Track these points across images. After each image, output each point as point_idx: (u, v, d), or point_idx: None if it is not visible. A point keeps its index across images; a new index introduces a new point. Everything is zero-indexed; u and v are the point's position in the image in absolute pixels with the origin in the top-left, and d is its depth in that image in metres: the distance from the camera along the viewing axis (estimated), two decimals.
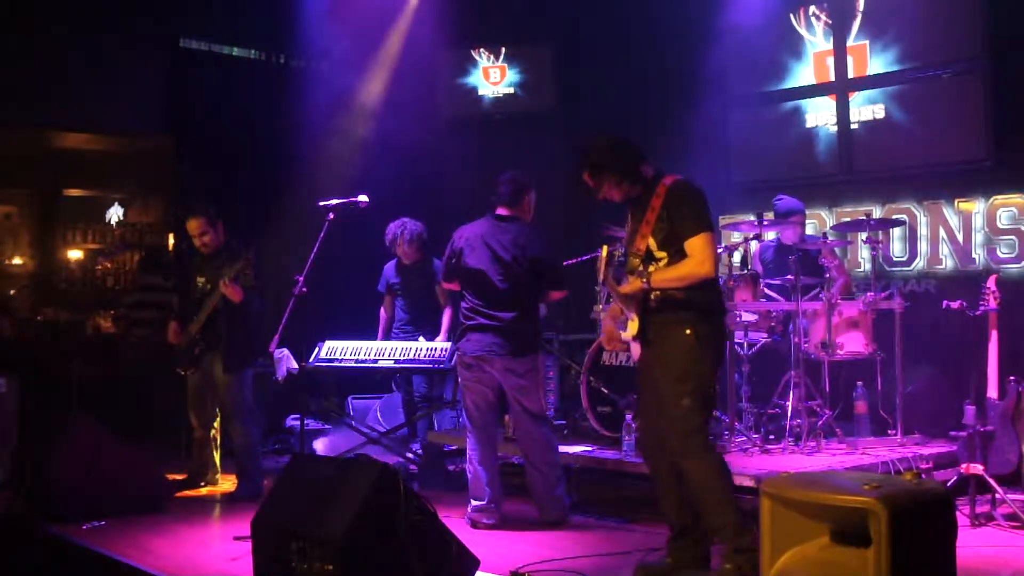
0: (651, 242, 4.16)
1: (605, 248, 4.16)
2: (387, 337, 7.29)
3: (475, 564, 4.01)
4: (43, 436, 5.83)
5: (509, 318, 5.28)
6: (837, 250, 6.88)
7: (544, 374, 5.74)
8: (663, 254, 4.15)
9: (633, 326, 4.21)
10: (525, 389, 5.29)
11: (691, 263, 4.05)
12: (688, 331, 4.08)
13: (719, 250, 6.28)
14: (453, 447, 6.51)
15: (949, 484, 5.08)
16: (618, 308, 4.36)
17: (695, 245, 4.05)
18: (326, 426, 7.68)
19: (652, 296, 4.16)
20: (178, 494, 6.15)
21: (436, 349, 6.65)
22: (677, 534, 4.26)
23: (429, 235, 7.14)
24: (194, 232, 6.27)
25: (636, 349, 4.30)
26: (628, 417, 5.71)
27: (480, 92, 9.11)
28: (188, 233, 6.35)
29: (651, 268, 4.14)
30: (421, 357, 6.66)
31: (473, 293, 5.38)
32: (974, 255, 6.78)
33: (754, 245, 6.60)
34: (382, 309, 7.43)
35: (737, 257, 6.57)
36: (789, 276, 5.93)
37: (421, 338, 7.07)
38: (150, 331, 8.00)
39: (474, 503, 5.30)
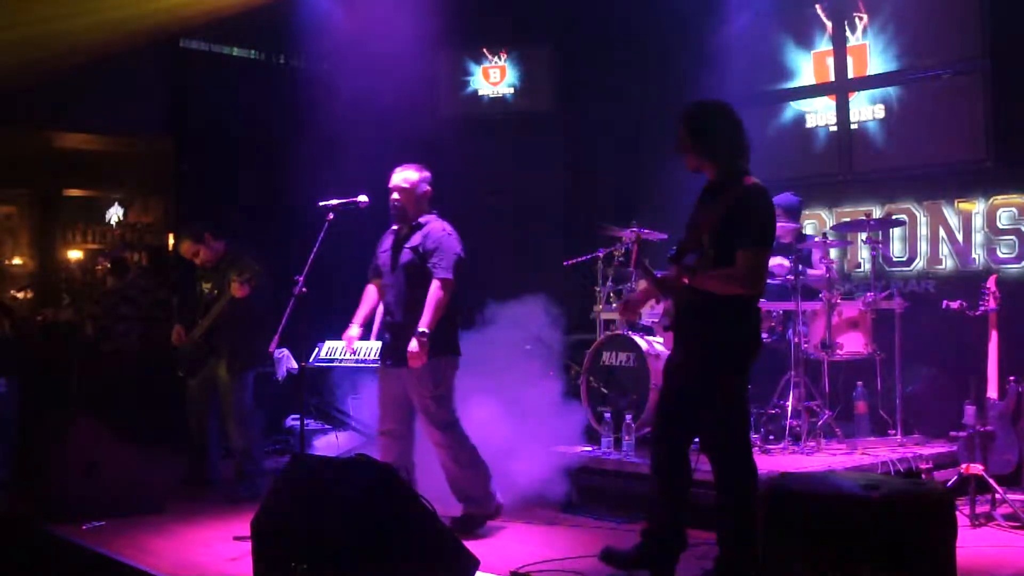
0: (706, 238, 4.03)
1: (638, 235, 4.10)
2: None
3: (475, 564, 4.01)
4: (43, 436, 5.82)
5: None
6: (834, 253, 6.86)
7: None
8: (713, 252, 4.01)
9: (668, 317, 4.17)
10: None
11: (737, 275, 3.93)
12: (714, 331, 3.98)
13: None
14: None
15: (949, 484, 5.08)
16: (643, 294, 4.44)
17: (746, 259, 3.92)
18: (326, 426, 7.67)
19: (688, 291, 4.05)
20: (178, 494, 6.15)
21: None
22: (656, 528, 4.18)
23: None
24: (187, 255, 6.43)
25: (669, 339, 4.26)
26: (628, 417, 5.71)
27: (480, 92, 9.11)
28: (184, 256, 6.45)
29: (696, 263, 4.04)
30: None
31: None
32: (974, 255, 6.78)
33: None
34: None
35: None
36: (790, 276, 5.92)
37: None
38: (131, 332, 7.99)
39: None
